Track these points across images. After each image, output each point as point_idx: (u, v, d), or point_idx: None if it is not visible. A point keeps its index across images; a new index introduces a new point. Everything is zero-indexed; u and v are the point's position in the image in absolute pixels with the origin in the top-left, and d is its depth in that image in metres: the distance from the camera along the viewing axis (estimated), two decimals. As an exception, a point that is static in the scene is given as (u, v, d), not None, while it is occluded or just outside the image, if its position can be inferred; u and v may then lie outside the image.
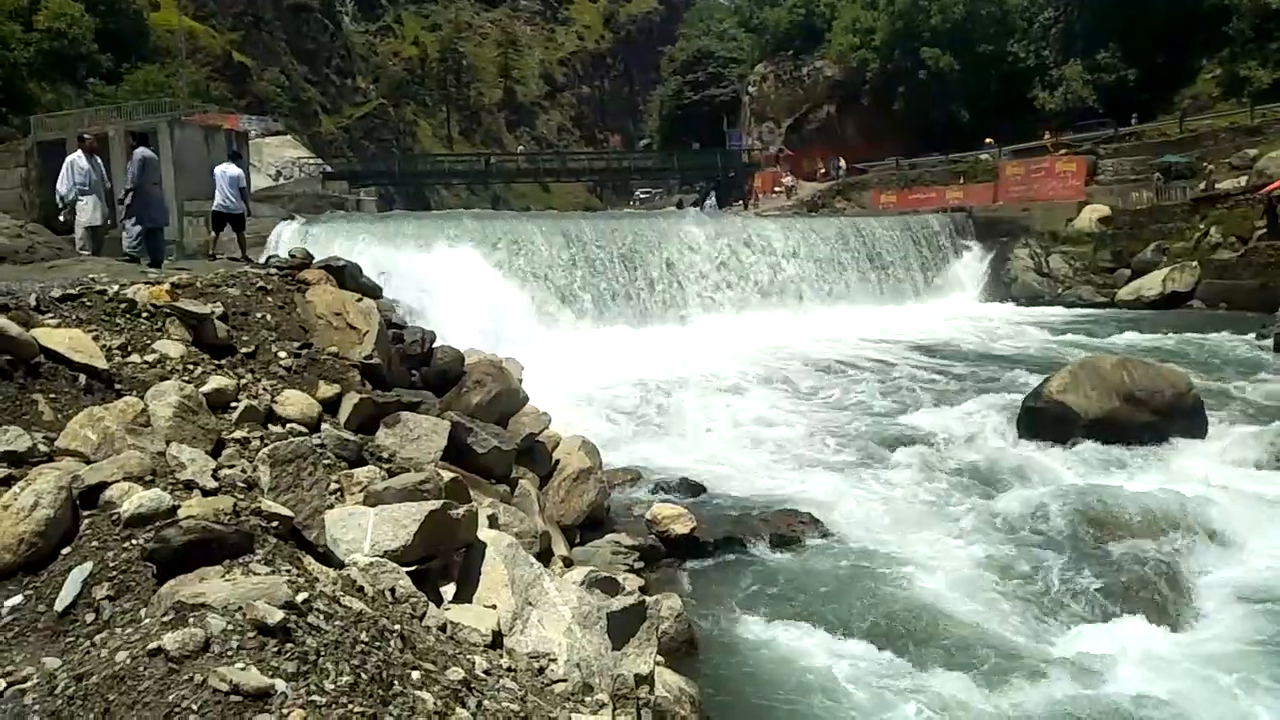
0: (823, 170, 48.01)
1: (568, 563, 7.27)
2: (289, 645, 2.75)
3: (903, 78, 47.01)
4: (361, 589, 3.81)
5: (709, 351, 20.53)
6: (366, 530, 4.73)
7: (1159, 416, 11.78)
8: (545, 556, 7.20)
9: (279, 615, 2.81)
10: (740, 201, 46.52)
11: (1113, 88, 40.68)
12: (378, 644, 3.07)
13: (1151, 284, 27.30)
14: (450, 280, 20.10)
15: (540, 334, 20.57)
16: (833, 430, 13.41)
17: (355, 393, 7.28)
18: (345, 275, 9.42)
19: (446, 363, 9.13)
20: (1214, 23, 37.12)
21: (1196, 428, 11.94)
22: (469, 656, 3.79)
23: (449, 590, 5.04)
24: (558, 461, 9.03)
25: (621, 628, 5.08)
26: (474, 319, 19.42)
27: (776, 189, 47.15)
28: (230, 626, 2.75)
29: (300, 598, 3.05)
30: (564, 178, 60.55)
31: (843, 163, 46.69)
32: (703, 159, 52.07)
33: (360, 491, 5.89)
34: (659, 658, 5.91)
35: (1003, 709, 5.89)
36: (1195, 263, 26.95)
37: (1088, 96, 41.18)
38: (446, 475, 6.20)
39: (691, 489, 10.49)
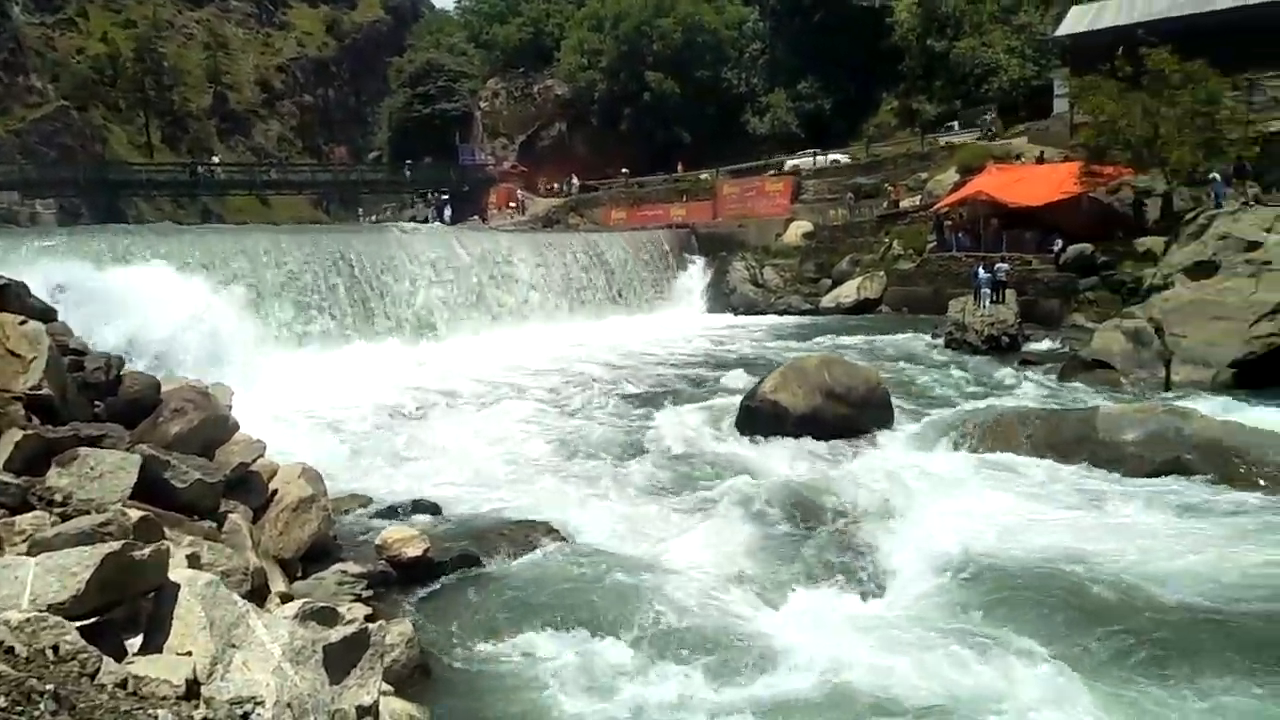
0: (554, 186, 48.90)
1: (286, 598, 6.76)
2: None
3: (629, 99, 49.06)
4: (11, 649, 3.29)
5: (446, 370, 20.15)
6: (25, 583, 4.12)
7: (855, 410, 13.15)
8: (260, 594, 6.68)
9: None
10: (475, 216, 46.16)
11: (812, 115, 45.05)
12: (20, 709, 2.65)
13: (848, 292, 30.43)
14: (153, 302, 18.14)
15: (260, 356, 19.12)
16: (569, 440, 13.64)
17: (18, 429, 6.33)
18: (8, 295, 8.17)
19: (138, 391, 8.18)
20: (891, 61, 42.23)
21: (885, 419, 13.46)
22: (153, 711, 3.40)
23: (136, 641, 4.51)
24: (275, 491, 8.40)
25: (341, 660, 4.80)
26: (188, 344, 17.73)
27: (511, 204, 47.34)
28: None
29: (-84, 670, 2.56)
30: (285, 190, 56.75)
31: (575, 180, 47.80)
32: (435, 173, 51.05)
33: (24, 541, 5.14)
34: (387, 686, 5.66)
35: (724, 684, 6.24)
36: (882, 273, 30.41)
37: (791, 122, 45.28)
38: (135, 514, 5.57)
39: (426, 510, 10.20)
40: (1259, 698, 5.99)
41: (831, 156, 39.23)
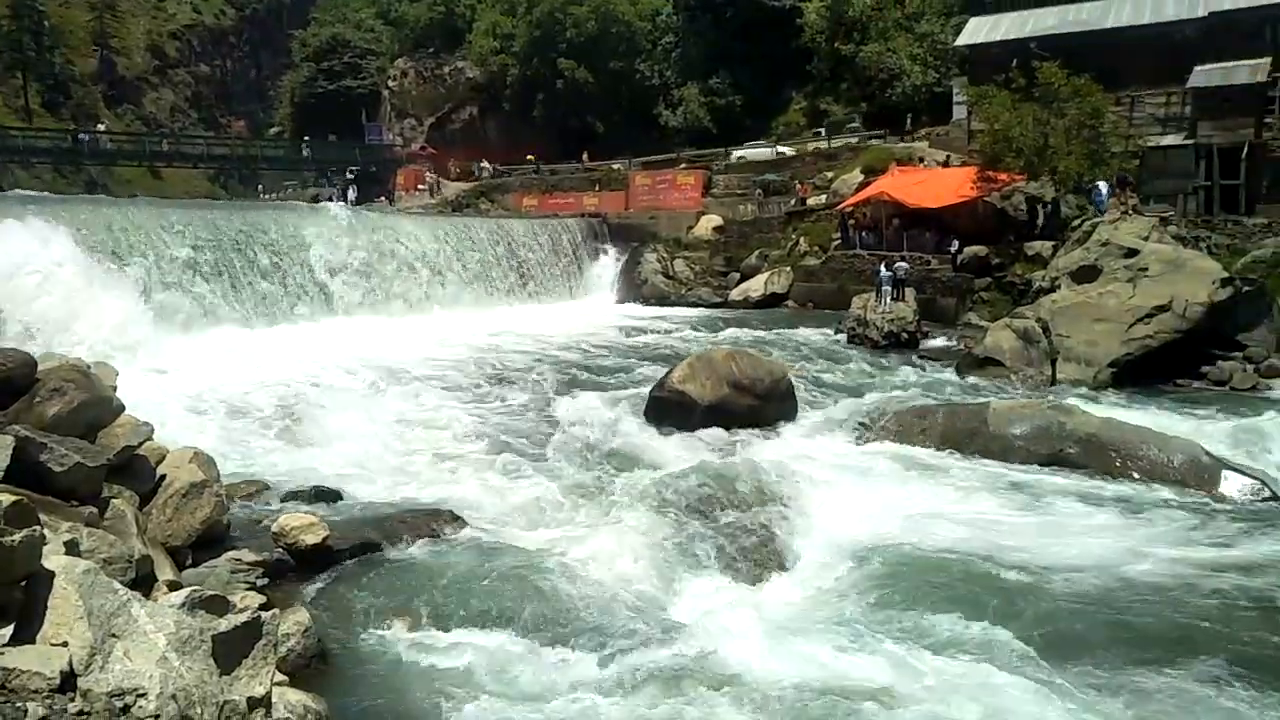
0: (458, 171, 48.11)
1: (175, 587, 6.46)
2: None
3: (542, 86, 48.57)
4: None
5: (356, 355, 19.52)
6: (-120, 572, 3.82)
7: (760, 401, 13.38)
8: (146, 582, 6.37)
9: None
10: (382, 198, 44.98)
11: (723, 110, 45.46)
12: (-127, 706, 2.45)
13: (756, 286, 30.92)
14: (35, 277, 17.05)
15: (155, 337, 18.21)
16: (478, 427, 13.45)
17: (-127, 406, 5.85)
18: None
19: (11, 369, 7.63)
20: (800, 61, 43.00)
21: (790, 410, 13.76)
22: (23, 704, 3.20)
23: (7, 632, 4.24)
24: (164, 476, 8.01)
25: (232, 649, 4.64)
26: (86, 323, 16.77)
27: (420, 187, 46.34)
28: None
29: None
30: (178, 163, 53.89)
31: (486, 164, 47.09)
32: (340, 152, 49.46)
33: (-122, 527, 4.75)
34: (282, 676, 5.49)
35: (626, 677, 6.26)
36: (789, 268, 31.00)
37: (703, 117, 45.61)
38: (7, 499, 5.21)
39: (327, 496, 9.90)
40: (1174, 678, 6.26)
41: (778, 149, 39.67)
